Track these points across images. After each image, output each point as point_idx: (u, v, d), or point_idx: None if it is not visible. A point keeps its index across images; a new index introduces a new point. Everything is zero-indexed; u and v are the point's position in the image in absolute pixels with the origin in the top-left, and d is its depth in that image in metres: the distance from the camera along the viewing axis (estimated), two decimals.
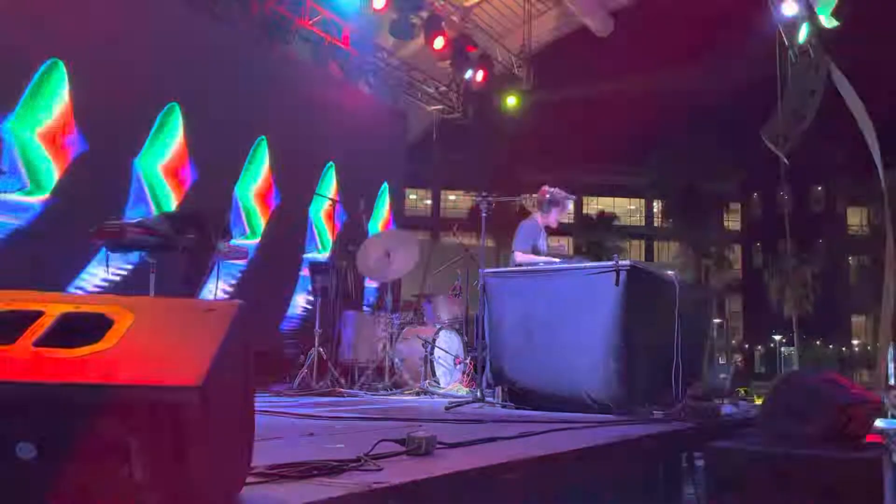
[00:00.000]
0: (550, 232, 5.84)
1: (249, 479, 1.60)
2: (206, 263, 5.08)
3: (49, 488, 1.14)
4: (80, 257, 5.95)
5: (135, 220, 4.79)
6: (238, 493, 1.40)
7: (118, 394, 1.14)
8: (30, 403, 1.16)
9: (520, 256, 5.45)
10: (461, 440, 2.57)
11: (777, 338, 41.78)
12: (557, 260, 5.40)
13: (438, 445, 2.37)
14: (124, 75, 6.70)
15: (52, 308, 1.33)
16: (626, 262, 4.64)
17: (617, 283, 4.57)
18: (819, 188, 44.85)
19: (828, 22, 8.28)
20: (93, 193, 6.28)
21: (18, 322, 1.29)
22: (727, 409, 5.41)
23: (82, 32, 6.50)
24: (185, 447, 1.15)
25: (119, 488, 1.14)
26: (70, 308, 1.33)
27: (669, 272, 5.25)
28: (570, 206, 5.86)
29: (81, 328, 1.29)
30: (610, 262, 4.66)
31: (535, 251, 5.53)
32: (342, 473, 1.80)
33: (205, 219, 5.07)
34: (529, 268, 5.18)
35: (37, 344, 1.23)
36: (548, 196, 5.65)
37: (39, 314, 1.31)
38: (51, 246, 5.83)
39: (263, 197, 8.38)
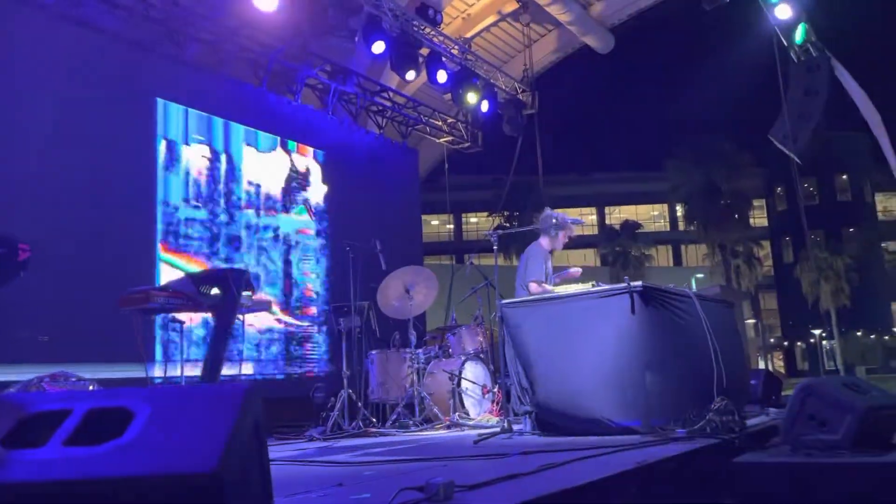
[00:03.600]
0: (567, 246, 5.93)
1: None
2: (231, 319, 5.24)
3: None
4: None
5: (160, 285, 4.98)
6: None
7: (141, 484, 1.27)
8: (64, 500, 1.28)
9: (534, 288, 5.54)
10: (481, 480, 2.66)
11: (816, 332, 41.05)
12: (572, 287, 5.48)
13: (458, 488, 2.47)
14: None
15: (79, 406, 1.46)
16: (638, 284, 4.71)
17: (632, 306, 4.64)
18: (844, 177, 44.26)
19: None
20: None
21: (49, 422, 1.42)
22: (756, 418, 5.42)
23: None
24: None
25: None
26: (94, 405, 1.46)
27: (685, 288, 5.30)
28: (576, 227, 5.95)
29: (105, 423, 1.42)
30: (622, 285, 4.74)
31: (544, 275, 5.62)
32: None
33: (227, 276, 5.24)
34: (545, 295, 5.27)
35: (66, 443, 1.36)
36: (554, 221, 5.75)
37: (67, 413, 1.44)
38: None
39: None
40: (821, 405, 3.74)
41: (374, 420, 6.52)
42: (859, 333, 40.61)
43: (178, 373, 5.16)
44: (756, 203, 43.82)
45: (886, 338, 41.61)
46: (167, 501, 1.26)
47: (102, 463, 1.31)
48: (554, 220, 5.72)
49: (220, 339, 5.17)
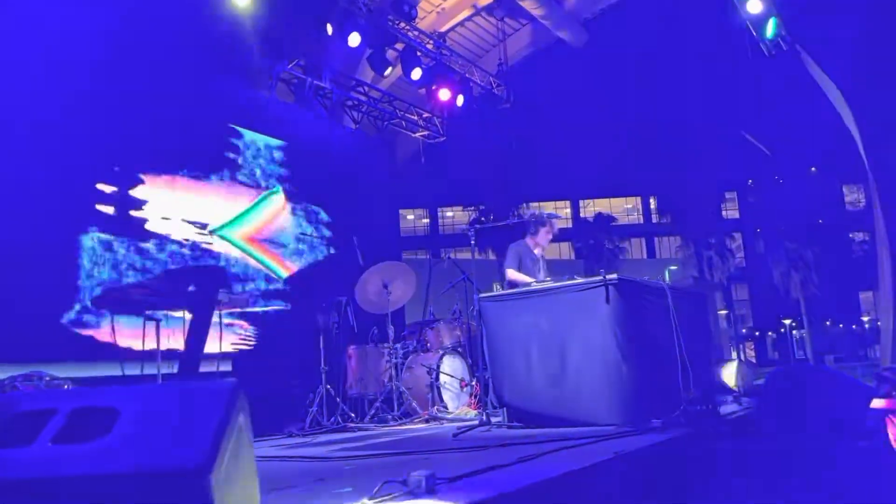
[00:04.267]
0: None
1: None
2: (208, 316, 5.23)
3: None
4: None
5: (136, 282, 4.95)
6: None
7: (129, 482, 1.28)
8: (51, 497, 1.30)
9: (511, 274, 5.60)
10: (461, 472, 2.70)
11: (787, 322, 41.76)
12: (548, 280, 5.53)
13: (439, 480, 2.50)
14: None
15: (64, 405, 1.47)
16: (614, 277, 4.78)
17: (607, 298, 4.71)
18: (814, 169, 45.00)
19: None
20: None
21: (36, 421, 1.43)
22: (728, 407, 5.54)
23: None
24: None
25: None
26: (80, 403, 1.47)
27: (659, 280, 5.38)
28: (557, 222, 6.01)
29: (92, 421, 1.43)
30: (598, 278, 4.80)
31: (522, 269, 5.67)
32: None
33: (204, 273, 5.23)
34: (521, 290, 5.32)
35: (53, 441, 1.37)
36: (535, 218, 5.82)
37: (53, 412, 1.45)
38: None
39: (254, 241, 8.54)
40: (793, 393, 3.85)
41: (353, 415, 6.53)
42: (828, 323, 41.42)
43: (154, 370, 5.13)
44: (728, 195, 44.44)
45: (854, 327, 42.49)
46: (155, 499, 1.28)
47: (91, 460, 1.33)
48: (532, 217, 5.79)
49: (197, 337, 5.15)
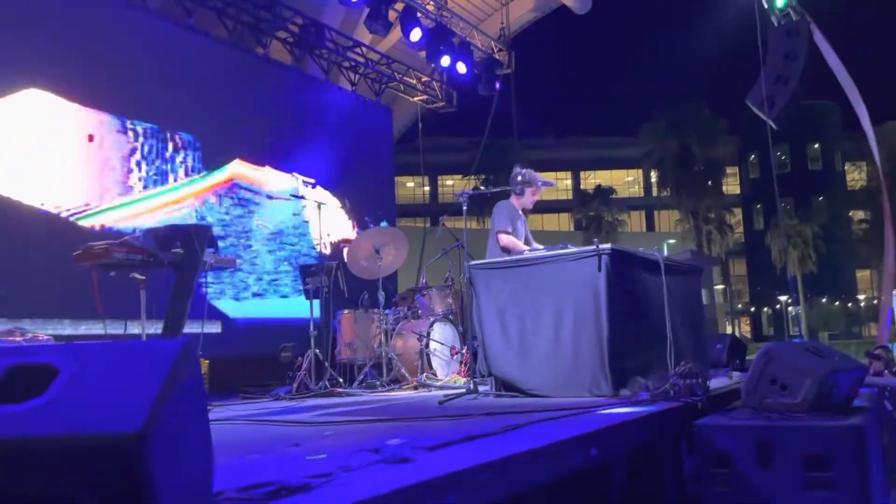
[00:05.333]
0: (541, 210, 5.88)
1: None
2: (193, 276, 5.12)
3: None
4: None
5: (118, 240, 4.83)
6: None
7: (62, 444, 1.19)
8: None
9: (504, 238, 5.48)
10: (441, 441, 2.62)
11: (783, 298, 41.83)
12: (541, 248, 5.43)
13: (416, 449, 2.43)
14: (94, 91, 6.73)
15: (1, 361, 1.37)
16: (607, 247, 4.68)
17: (599, 268, 4.61)
18: (816, 146, 44.69)
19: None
20: None
21: None
22: (718, 381, 5.48)
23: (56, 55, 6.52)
24: (134, 491, 1.19)
25: None
26: (16, 361, 1.37)
27: (654, 252, 5.28)
28: (545, 187, 5.87)
29: (29, 380, 1.33)
30: (591, 248, 4.70)
31: (513, 230, 5.55)
32: (310, 491, 1.85)
33: (189, 232, 5.10)
34: (513, 258, 5.22)
35: None
36: (519, 178, 5.68)
37: None
38: None
39: None
40: (782, 369, 3.77)
41: (342, 380, 6.48)
42: (824, 300, 41.52)
43: (138, 330, 5.04)
44: (729, 170, 44.19)
45: (850, 304, 42.58)
46: (90, 462, 1.19)
47: (23, 422, 1.23)
48: (520, 178, 5.65)
49: (181, 298, 5.05)
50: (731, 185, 46.40)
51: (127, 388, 1.29)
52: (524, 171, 5.71)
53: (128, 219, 7.06)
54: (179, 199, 7.54)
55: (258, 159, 8.51)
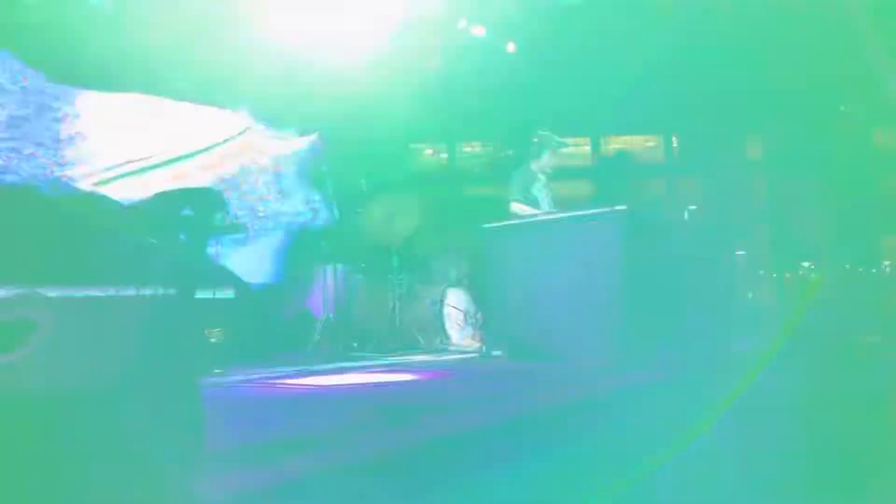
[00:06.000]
0: (558, 177, 5.76)
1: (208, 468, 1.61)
2: (205, 240, 5.10)
3: None
4: None
5: (130, 204, 4.80)
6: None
7: None
8: None
9: (513, 206, 5.40)
10: (444, 403, 2.59)
11: (805, 264, 41.31)
12: (548, 207, 5.34)
13: (421, 410, 2.39)
14: None
15: None
16: (622, 207, 4.57)
17: (614, 229, 4.52)
18: (842, 108, 43.68)
19: None
20: None
21: None
22: (738, 344, 5.39)
23: None
24: None
25: None
26: None
27: (672, 212, 5.18)
28: (562, 149, 5.75)
29: None
30: (606, 209, 4.60)
31: (528, 196, 5.46)
32: (310, 450, 1.82)
33: (200, 195, 5.07)
34: (527, 220, 5.13)
35: None
36: (536, 140, 5.57)
37: None
38: None
39: None
40: None
41: (355, 344, 6.47)
42: (847, 266, 40.84)
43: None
44: (751, 135, 43.34)
45: (874, 271, 41.86)
46: None
47: None
48: (536, 140, 5.54)
49: (193, 262, 5.03)
50: (755, 150, 45.62)
51: None
52: (541, 133, 5.59)
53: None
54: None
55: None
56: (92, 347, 1.25)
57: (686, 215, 5.55)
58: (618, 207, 4.55)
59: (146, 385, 1.27)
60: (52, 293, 1.46)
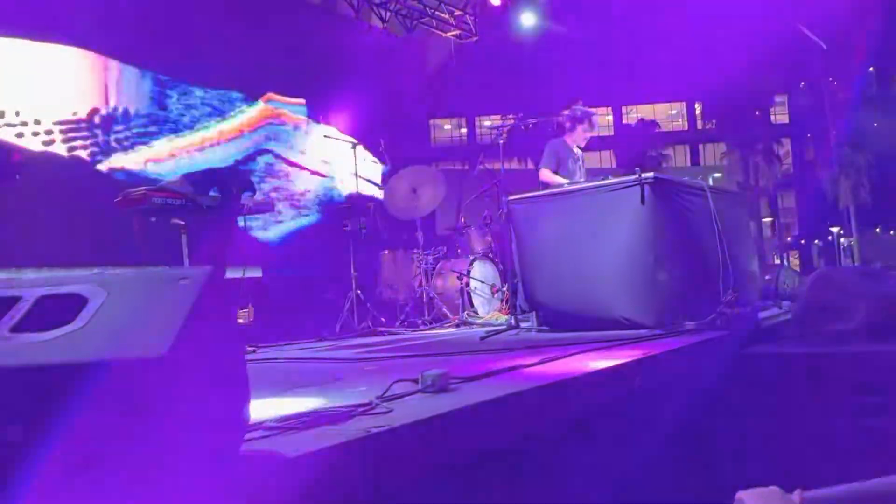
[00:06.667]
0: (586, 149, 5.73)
1: (254, 435, 1.64)
2: (232, 219, 5.14)
3: (39, 466, 1.19)
4: None
5: (156, 185, 4.85)
6: (236, 452, 1.44)
7: (89, 371, 1.17)
8: (12, 388, 1.20)
9: (543, 175, 5.38)
10: (481, 372, 2.59)
11: (834, 230, 40.58)
12: (582, 180, 5.30)
13: (455, 379, 2.40)
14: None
15: (30, 293, 1.36)
16: (650, 176, 4.53)
17: (642, 198, 4.47)
18: (871, 69, 42.61)
19: None
20: None
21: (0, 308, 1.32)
22: (768, 311, 5.34)
23: None
24: (157, 417, 1.18)
25: (103, 461, 1.18)
26: (46, 291, 1.36)
27: (699, 180, 5.11)
28: (597, 120, 5.70)
29: (57, 310, 1.32)
30: (633, 177, 4.55)
31: (561, 168, 5.43)
32: (350, 419, 1.84)
33: (226, 175, 5.10)
34: (552, 190, 5.10)
35: (13, 329, 1.27)
36: (569, 113, 5.53)
37: (17, 299, 1.34)
38: None
39: None
40: (836, 294, 3.64)
41: (383, 320, 6.52)
42: (878, 230, 40.23)
43: None
44: (778, 99, 42.50)
45: None
46: (117, 388, 1.17)
47: (50, 349, 1.22)
48: (569, 113, 5.50)
49: (221, 242, 5.08)
50: (780, 115, 44.72)
51: (154, 314, 1.27)
52: (575, 106, 5.54)
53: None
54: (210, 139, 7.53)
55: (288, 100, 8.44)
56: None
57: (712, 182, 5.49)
58: (645, 175, 4.51)
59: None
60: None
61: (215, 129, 7.63)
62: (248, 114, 8.01)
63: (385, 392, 2.20)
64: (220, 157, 7.43)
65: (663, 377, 2.99)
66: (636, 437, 2.70)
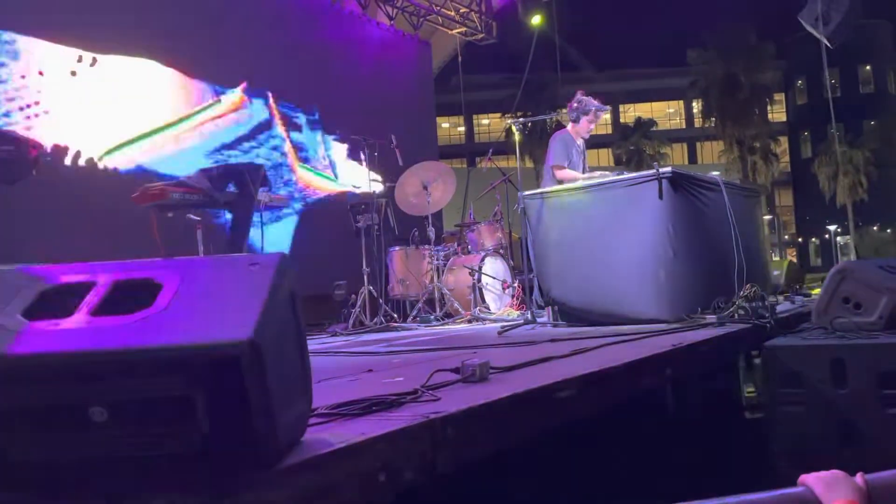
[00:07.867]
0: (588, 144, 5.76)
1: (312, 421, 1.66)
2: (248, 215, 5.16)
3: (123, 447, 1.20)
4: None
5: (174, 181, 4.87)
6: (302, 437, 1.46)
7: (176, 353, 1.19)
8: (96, 370, 1.21)
9: (559, 173, 5.39)
10: (516, 363, 2.61)
11: (832, 228, 40.74)
12: (597, 174, 5.32)
13: (493, 370, 2.42)
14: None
15: (104, 277, 1.37)
16: (668, 170, 4.55)
17: (660, 192, 4.50)
18: (868, 67, 42.75)
19: None
20: None
21: (73, 294, 1.33)
22: (783, 305, 5.37)
23: None
24: (244, 398, 1.19)
25: (188, 441, 1.20)
26: (120, 276, 1.37)
27: (714, 174, 5.14)
28: (602, 114, 5.71)
29: (133, 294, 1.33)
30: (651, 172, 4.57)
31: (570, 161, 5.45)
32: (401, 406, 1.85)
33: (242, 172, 5.12)
34: (568, 186, 5.12)
35: (93, 313, 1.28)
36: (575, 105, 5.54)
37: (92, 284, 1.35)
38: None
39: None
40: (856, 287, 3.65)
41: (395, 316, 6.53)
42: (875, 228, 40.35)
43: None
44: (776, 97, 42.62)
45: None
46: (203, 369, 1.18)
47: (134, 332, 1.23)
48: (575, 105, 5.51)
49: (238, 237, 5.10)
50: (778, 113, 44.83)
51: (232, 298, 1.28)
52: (580, 98, 5.55)
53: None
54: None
55: (294, 98, 8.44)
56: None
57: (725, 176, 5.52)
58: (663, 170, 4.53)
59: None
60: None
61: (214, 123, 7.63)
62: (252, 109, 8.02)
63: (427, 381, 2.21)
64: (224, 153, 7.44)
65: (695, 367, 3.01)
66: (668, 428, 2.72)
